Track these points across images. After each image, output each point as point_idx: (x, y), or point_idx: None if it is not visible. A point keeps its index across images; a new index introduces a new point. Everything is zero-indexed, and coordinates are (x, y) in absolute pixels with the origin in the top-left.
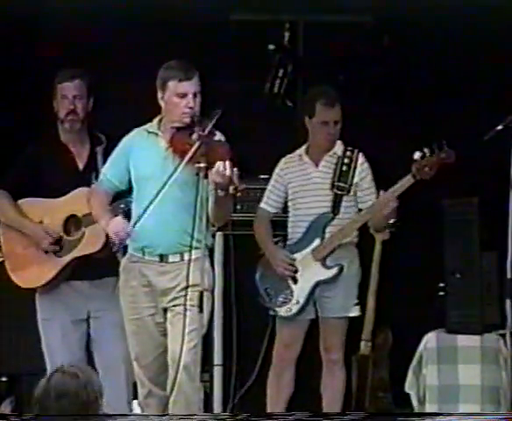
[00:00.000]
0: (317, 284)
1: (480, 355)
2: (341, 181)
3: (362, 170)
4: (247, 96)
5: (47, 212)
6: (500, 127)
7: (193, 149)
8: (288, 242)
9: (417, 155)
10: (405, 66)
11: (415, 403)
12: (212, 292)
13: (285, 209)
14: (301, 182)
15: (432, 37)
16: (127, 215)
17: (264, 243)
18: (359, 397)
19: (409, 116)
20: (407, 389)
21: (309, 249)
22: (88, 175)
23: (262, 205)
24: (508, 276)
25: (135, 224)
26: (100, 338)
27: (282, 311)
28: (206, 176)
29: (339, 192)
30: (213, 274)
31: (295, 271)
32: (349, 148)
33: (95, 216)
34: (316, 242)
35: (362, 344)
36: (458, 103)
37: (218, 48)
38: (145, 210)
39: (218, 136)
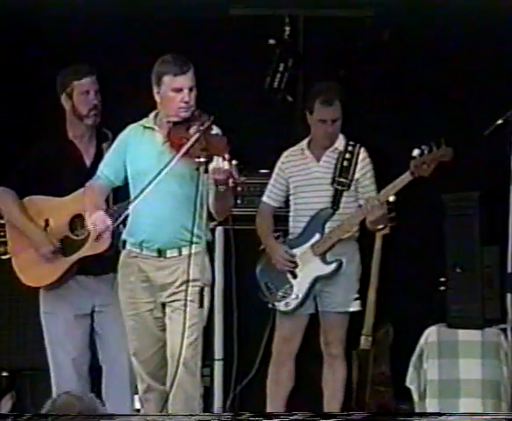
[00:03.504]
0: (317, 279)
1: (481, 350)
2: (342, 177)
3: (363, 166)
4: (247, 90)
5: (53, 211)
6: (500, 122)
7: (190, 142)
8: (289, 236)
9: (416, 153)
10: (405, 60)
11: (415, 397)
12: (212, 287)
13: (287, 203)
14: (302, 177)
15: (432, 31)
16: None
17: (265, 237)
18: (360, 392)
19: (410, 111)
20: (408, 384)
21: (308, 244)
22: (95, 172)
23: (264, 199)
24: (509, 271)
25: (124, 215)
26: (104, 332)
27: (281, 306)
28: (206, 171)
29: (340, 187)
30: (212, 269)
31: (295, 266)
32: (351, 143)
33: (85, 209)
34: (316, 237)
35: (363, 338)
36: (459, 97)
37: (219, 43)
38: (135, 198)
39: (215, 130)
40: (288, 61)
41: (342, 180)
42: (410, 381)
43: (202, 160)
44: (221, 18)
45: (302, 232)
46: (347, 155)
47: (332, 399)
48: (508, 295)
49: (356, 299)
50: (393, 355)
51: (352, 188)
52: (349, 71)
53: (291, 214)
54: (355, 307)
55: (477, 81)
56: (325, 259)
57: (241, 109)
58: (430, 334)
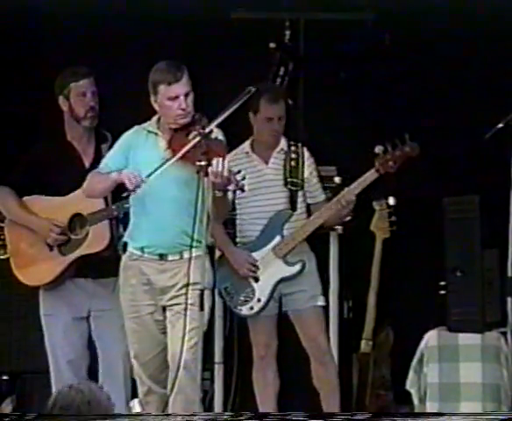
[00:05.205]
0: (280, 281)
1: (481, 353)
2: (293, 177)
3: (309, 164)
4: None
5: (52, 210)
6: (500, 125)
7: (189, 145)
8: (243, 240)
9: (379, 149)
10: (406, 63)
11: (416, 401)
12: (213, 291)
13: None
14: (252, 180)
15: (433, 34)
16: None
17: (222, 242)
18: (360, 396)
19: (410, 112)
20: (408, 388)
21: (269, 247)
22: None
23: None
24: (509, 274)
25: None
26: (99, 337)
27: (244, 310)
28: (207, 175)
29: (293, 188)
30: (213, 273)
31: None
32: (292, 143)
33: (100, 185)
34: (277, 239)
35: (363, 342)
36: (459, 99)
37: (219, 46)
38: (156, 169)
39: (216, 133)
40: (288, 65)
41: (294, 180)
42: (411, 385)
43: (202, 163)
44: (222, 22)
45: (259, 235)
46: (293, 155)
47: (331, 397)
48: (509, 298)
49: (321, 294)
50: (393, 359)
51: (304, 187)
52: (349, 75)
53: (240, 217)
54: (322, 302)
55: (477, 83)
56: (287, 260)
57: (241, 112)
58: (431, 338)
